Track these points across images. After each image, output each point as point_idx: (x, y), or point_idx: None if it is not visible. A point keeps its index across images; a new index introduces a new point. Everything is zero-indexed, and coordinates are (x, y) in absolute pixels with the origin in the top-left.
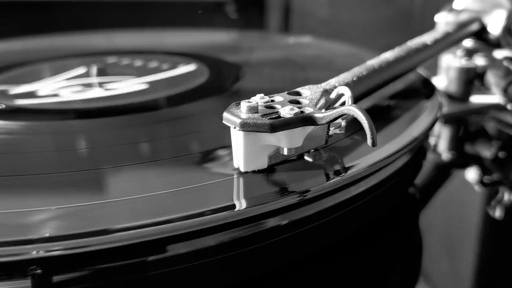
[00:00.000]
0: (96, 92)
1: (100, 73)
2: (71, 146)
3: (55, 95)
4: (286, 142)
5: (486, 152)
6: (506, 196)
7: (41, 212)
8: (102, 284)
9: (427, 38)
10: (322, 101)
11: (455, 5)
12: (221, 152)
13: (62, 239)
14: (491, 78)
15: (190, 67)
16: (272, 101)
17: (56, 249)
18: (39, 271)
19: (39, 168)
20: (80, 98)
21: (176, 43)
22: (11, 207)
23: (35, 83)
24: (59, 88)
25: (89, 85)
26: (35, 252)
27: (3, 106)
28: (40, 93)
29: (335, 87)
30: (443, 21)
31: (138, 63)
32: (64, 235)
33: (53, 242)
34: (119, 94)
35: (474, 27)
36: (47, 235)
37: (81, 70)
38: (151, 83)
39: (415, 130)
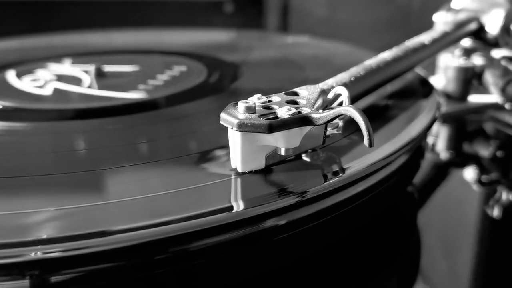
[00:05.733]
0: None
1: (99, 73)
2: (70, 147)
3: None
4: (283, 142)
5: (484, 151)
6: (504, 195)
7: (39, 213)
8: (101, 285)
9: (425, 37)
10: (320, 101)
11: (453, 4)
12: (218, 153)
13: (60, 240)
14: (489, 77)
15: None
16: (270, 101)
17: (55, 251)
18: (37, 272)
19: (37, 169)
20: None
21: (174, 42)
22: (10, 209)
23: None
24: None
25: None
26: (34, 253)
27: (1, 106)
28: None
29: (333, 87)
30: (441, 20)
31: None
32: (62, 236)
33: (51, 243)
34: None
35: (472, 26)
36: (45, 236)
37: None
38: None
39: (413, 130)
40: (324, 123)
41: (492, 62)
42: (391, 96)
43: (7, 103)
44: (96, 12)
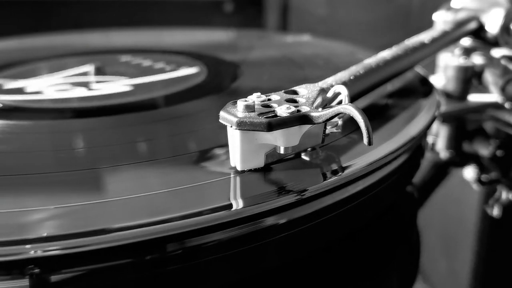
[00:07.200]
0: (79, 92)
1: (98, 72)
2: (69, 146)
3: (39, 93)
4: (282, 141)
5: (484, 150)
6: (504, 195)
7: (39, 211)
8: (101, 284)
9: (425, 36)
10: (319, 100)
11: (453, 3)
12: (218, 151)
13: (60, 238)
14: (489, 76)
15: (190, 70)
16: (269, 100)
17: (54, 249)
18: (37, 270)
19: (37, 167)
20: (61, 96)
21: (174, 42)
22: (9, 207)
23: (31, 79)
24: (48, 85)
25: (80, 84)
26: (33, 252)
27: (1, 105)
28: (27, 90)
29: (332, 86)
30: (441, 19)
31: (136, 62)
32: (62, 234)
33: (51, 241)
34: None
35: (472, 25)
36: (45, 234)
37: (81, 68)
38: (137, 85)
39: (413, 129)
40: (323, 122)
41: (492, 61)
42: (391, 95)
43: (7, 102)
44: (96, 12)
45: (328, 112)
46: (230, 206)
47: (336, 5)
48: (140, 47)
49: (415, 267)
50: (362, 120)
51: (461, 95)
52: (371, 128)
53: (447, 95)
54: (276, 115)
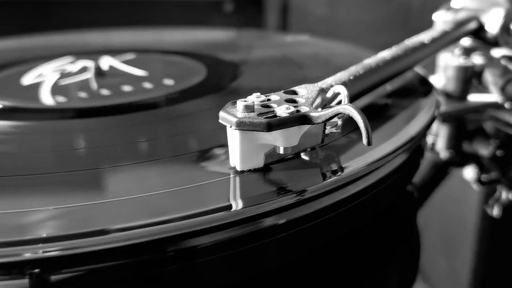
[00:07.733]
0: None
1: (99, 72)
2: (69, 146)
3: None
4: (282, 141)
5: (484, 150)
6: (504, 195)
7: (39, 212)
8: (101, 284)
9: (425, 36)
10: (318, 100)
11: (453, 3)
12: (217, 151)
13: (60, 239)
14: (489, 76)
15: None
16: (269, 100)
17: (54, 250)
18: (37, 271)
19: (36, 168)
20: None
21: (174, 41)
22: (9, 208)
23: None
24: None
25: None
26: (33, 252)
27: (1, 106)
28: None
29: (332, 86)
30: (441, 19)
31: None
32: (61, 235)
33: (51, 242)
34: None
35: (472, 25)
36: (45, 235)
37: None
38: None
39: (413, 128)
40: (322, 122)
41: (491, 61)
42: (391, 95)
43: (6, 103)
44: (96, 12)
45: (328, 112)
46: (230, 206)
47: (336, 5)
48: (140, 46)
49: (415, 267)
50: (362, 120)
51: (461, 95)
52: (370, 128)
53: (447, 95)
54: (275, 115)
